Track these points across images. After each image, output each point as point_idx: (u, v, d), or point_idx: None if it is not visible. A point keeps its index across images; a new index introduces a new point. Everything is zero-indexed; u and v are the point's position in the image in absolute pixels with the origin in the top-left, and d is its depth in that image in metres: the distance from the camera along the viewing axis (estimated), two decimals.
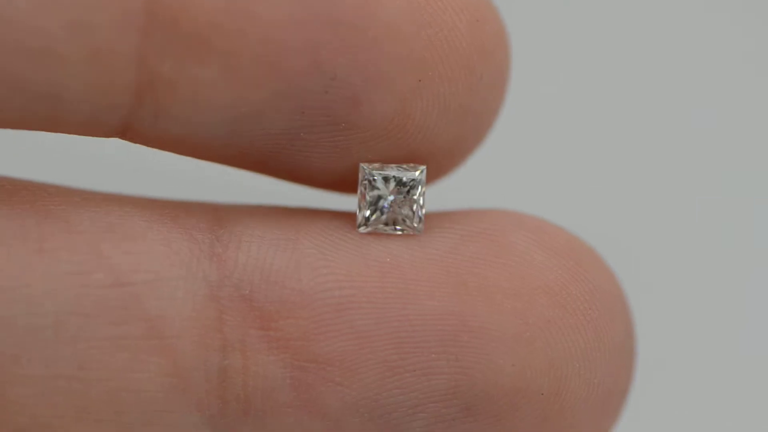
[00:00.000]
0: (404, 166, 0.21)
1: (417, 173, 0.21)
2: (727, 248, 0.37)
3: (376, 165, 0.21)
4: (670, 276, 0.36)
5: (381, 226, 0.21)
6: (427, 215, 0.21)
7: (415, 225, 0.21)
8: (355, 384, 0.20)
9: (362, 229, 0.21)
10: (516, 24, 0.22)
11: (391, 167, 0.21)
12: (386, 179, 0.21)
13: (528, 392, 0.20)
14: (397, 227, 0.21)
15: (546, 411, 0.20)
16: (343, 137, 0.20)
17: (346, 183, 0.21)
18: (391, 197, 0.21)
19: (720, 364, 0.35)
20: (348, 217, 0.21)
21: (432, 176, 0.21)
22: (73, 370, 0.19)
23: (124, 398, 0.19)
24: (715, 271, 0.37)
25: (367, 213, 0.21)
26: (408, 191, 0.21)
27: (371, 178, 0.21)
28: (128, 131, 0.20)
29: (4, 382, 0.19)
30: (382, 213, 0.21)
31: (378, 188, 0.21)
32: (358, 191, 0.21)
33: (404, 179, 0.21)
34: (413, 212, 0.21)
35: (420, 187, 0.21)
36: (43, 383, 0.19)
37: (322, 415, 0.20)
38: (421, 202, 0.21)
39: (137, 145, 0.20)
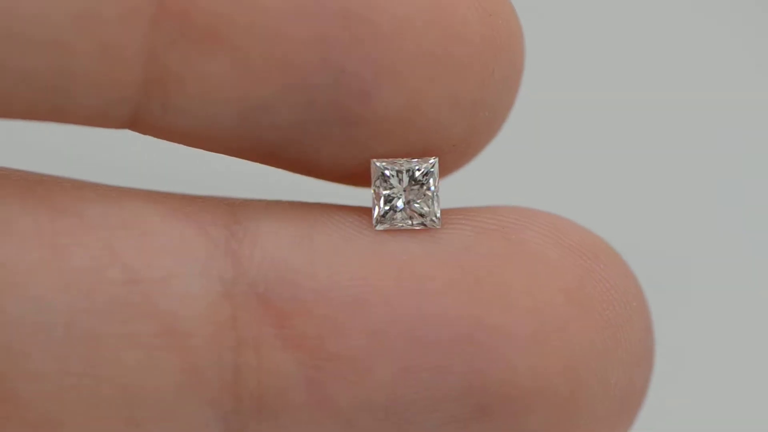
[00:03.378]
0: (416, 159, 0.21)
1: (429, 164, 0.21)
2: (745, 247, 0.37)
3: (388, 160, 0.21)
4: (688, 273, 0.36)
5: (397, 221, 0.21)
6: (442, 212, 0.21)
7: (432, 218, 0.21)
8: (369, 382, 0.20)
9: (379, 226, 0.20)
10: (530, 18, 0.22)
11: (403, 161, 0.21)
12: (399, 173, 0.21)
13: (543, 393, 0.20)
14: (414, 221, 0.21)
15: (561, 412, 0.20)
16: (353, 131, 0.20)
17: (357, 176, 0.21)
18: (405, 191, 0.21)
19: (740, 364, 0.35)
20: (364, 212, 0.21)
21: (444, 171, 0.21)
22: (85, 368, 0.19)
23: (137, 395, 0.19)
24: (733, 269, 0.36)
25: (383, 210, 0.21)
26: (422, 184, 0.21)
27: (384, 174, 0.21)
28: (137, 123, 0.20)
29: (15, 379, 0.19)
30: (396, 209, 0.21)
31: (391, 183, 0.21)
32: (372, 188, 0.21)
33: (417, 172, 0.21)
34: (429, 205, 0.21)
35: (434, 178, 0.21)
36: (54, 380, 0.19)
37: (335, 413, 0.20)
38: (437, 193, 0.21)
39: (149, 138, 0.20)
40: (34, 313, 0.19)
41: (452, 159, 0.21)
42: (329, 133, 0.20)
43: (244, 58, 0.19)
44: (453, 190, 0.22)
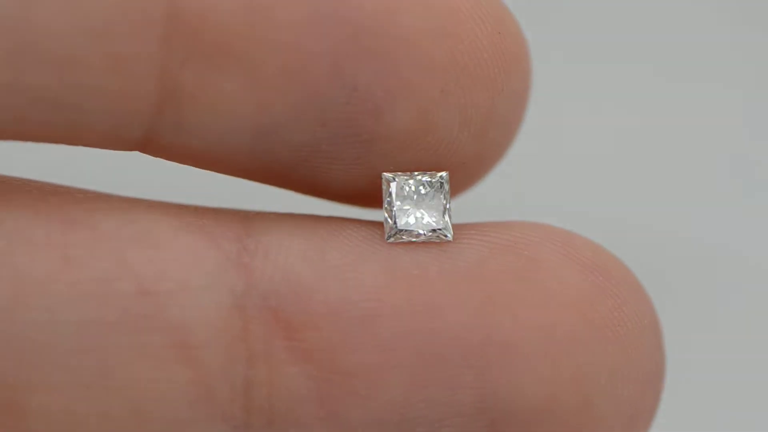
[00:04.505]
0: (427, 172, 0.21)
1: (440, 177, 0.21)
2: (755, 259, 0.37)
3: (399, 173, 0.21)
4: (699, 289, 0.36)
5: (409, 234, 0.20)
6: (454, 227, 0.21)
7: (444, 231, 0.21)
8: (380, 397, 0.20)
9: (391, 240, 0.20)
10: (537, 35, 0.22)
11: (414, 174, 0.21)
12: (410, 186, 0.21)
13: (554, 409, 0.20)
14: (426, 234, 0.21)
15: (572, 427, 0.20)
16: (364, 149, 0.20)
17: (368, 197, 0.21)
18: (417, 204, 0.21)
19: (750, 378, 0.35)
20: (376, 226, 0.21)
21: (455, 188, 0.21)
22: (96, 379, 0.19)
23: (148, 407, 0.19)
24: (744, 282, 0.36)
25: (394, 223, 0.21)
26: (433, 196, 0.21)
27: (395, 186, 0.21)
28: (149, 144, 0.20)
29: (26, 390, 0.19)
30: (409, 222, 0.21)
31: (403, 196, 0.21)
32: (383, 201, 0.21)
33: (428, 184, 0.21)
34: (441, 217, 0.21)
35: (444, 191, 0.21)
36: (65, 391, 0.19)
37: (346, 427, 0.20)
38: (448, 206, 0.21)
39: (160, 160, 0.20)
40: (45, 324, 0.19)
41: (463, 177, 0.21)
42: (341, 152, 0.20)
43: (257, 74, 0.19)
44: (465, 205, 0.22)
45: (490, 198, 0.25)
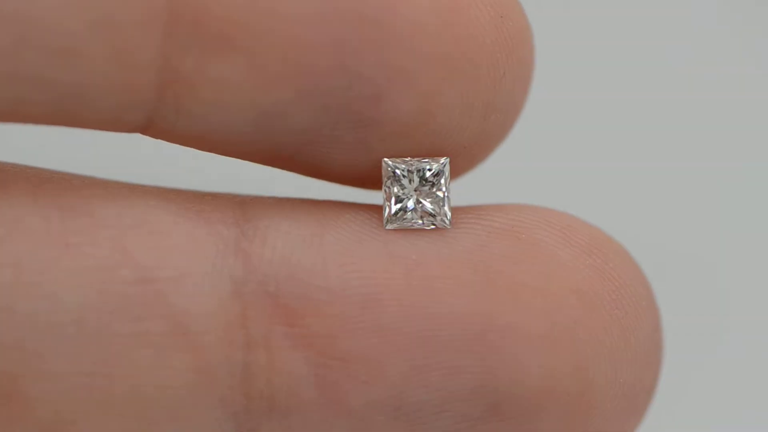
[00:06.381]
0: (427, 159, 0.21)
1: (440, 164, 0.21)
2: (754, 245, 0.37)
3: (399, 159, 0.21)
4: (697, 272, 0.36)
5: (408, 221, 0.21)
6: (453, 210, 0.21)
7: (443, 218, 0.21)
8: (380, 382, 0.20)
9: (389, 226, 0.20)
10: (540, 20, 0.22)
11: (414, 161, 0.21)
12: (410, 173, 0.21)
13: (554, 392, 0.20)
14: (424, 221, 0.21)
15: (572, 411, 0.20)
16: (366, 134, 0.20)
17: (369, 179, 0.21)
18: (416, 191, 0.21)
19: (748, 361, 0.35)
20: (375, 210, 0.21)
21: (455, 173, 0.21)
22: (97, 366, 0.19)
23: (148, 394, 0.19)
24: (743, 268, 0.36)
25: (393, 209, 0.21)
26: (432, 184, 0.21)
27: (395, 173, 0.21)
28: (151, 128, 0.20)
29: (28, 378, 0.19)
30: (407, 209, 0.21)
31: (402, 183, 0.21)
32: (383, 187, 0.21)
33: (428, 172, 0.21)
34: (439, 205, 0.21)
35: (444, 178, 0.21)
36: (66, 379, 0.19)
37: (346, 412, 0.20)
38: (447, 194, 0.21)
39: (158, 141, 0.20)
40: (45, 312, 0.19)
41: (463, 161, 0.21)
42: (342, 137, 0.20)
43: (258, 63, 0.19)
44: (463, 189, 0.22)
45: (488, 181, 0.25)
